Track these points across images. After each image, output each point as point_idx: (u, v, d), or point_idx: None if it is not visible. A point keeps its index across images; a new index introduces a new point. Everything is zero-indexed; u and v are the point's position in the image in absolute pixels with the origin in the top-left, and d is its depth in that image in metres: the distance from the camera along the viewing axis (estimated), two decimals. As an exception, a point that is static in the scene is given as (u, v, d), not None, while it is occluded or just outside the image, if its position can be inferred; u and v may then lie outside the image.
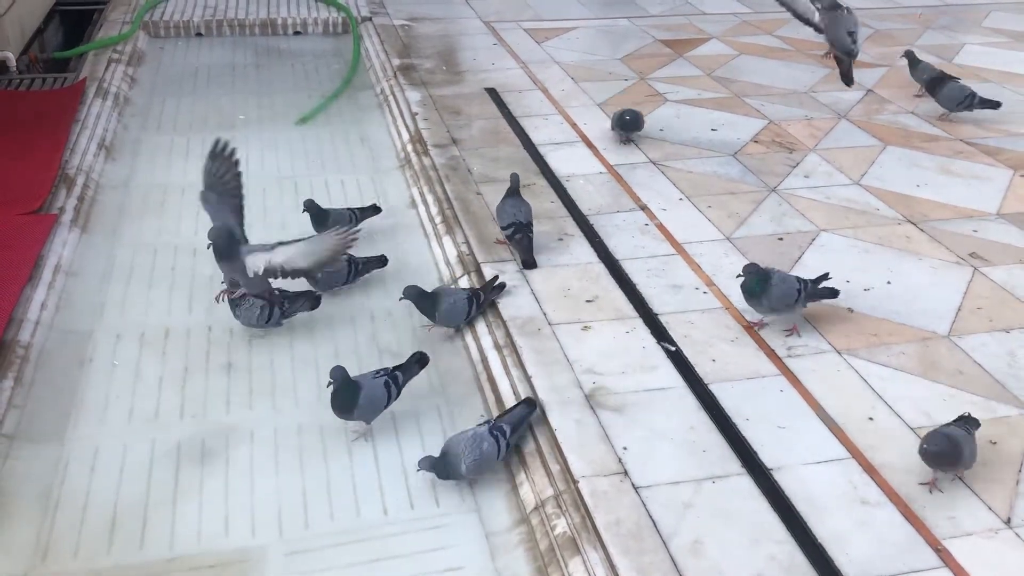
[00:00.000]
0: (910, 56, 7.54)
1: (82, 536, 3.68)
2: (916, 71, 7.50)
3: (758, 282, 4.54)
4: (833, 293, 4.71)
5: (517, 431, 3.96)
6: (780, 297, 4.55)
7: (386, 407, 4.13)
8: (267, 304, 4.72)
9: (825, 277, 4.72)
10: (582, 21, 9.69)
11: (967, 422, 3.88)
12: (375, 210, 5.76)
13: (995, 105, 7.12)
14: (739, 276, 4.64)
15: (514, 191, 5.35)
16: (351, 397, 4.00)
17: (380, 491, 3.94)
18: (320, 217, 5.44)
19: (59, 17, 9.43)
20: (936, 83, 7.22)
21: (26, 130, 6.56)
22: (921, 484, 3.76)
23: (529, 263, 5.14)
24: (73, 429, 4.22)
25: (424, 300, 4.69)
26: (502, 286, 4.91)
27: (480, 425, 3.95)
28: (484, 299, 4.79)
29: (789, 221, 5.78)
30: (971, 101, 7.06)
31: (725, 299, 4.94)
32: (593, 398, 4.21)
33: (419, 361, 4.33)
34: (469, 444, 3.80)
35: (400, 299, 4.71)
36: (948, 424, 3.86)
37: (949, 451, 3.67)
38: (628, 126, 6.65)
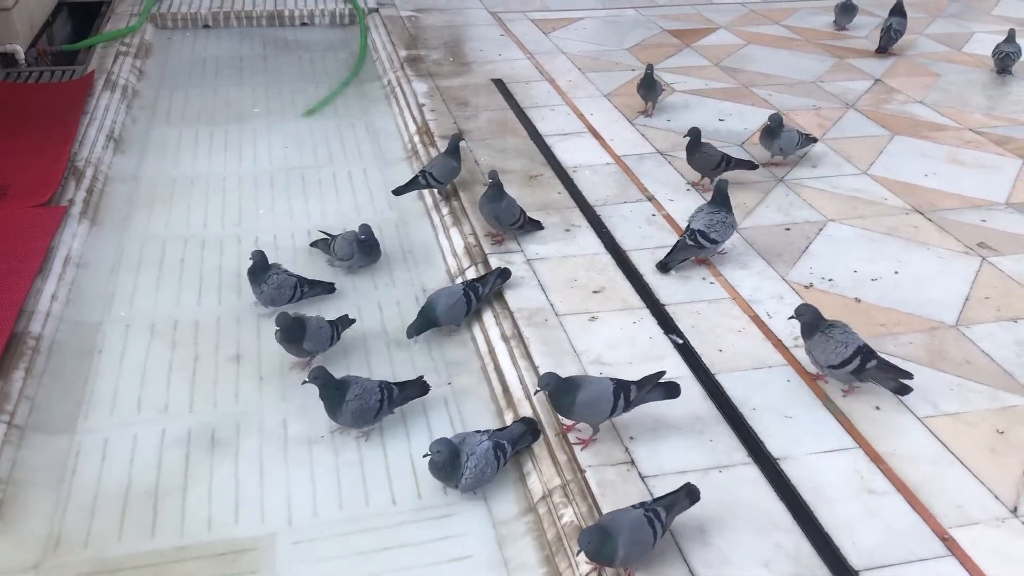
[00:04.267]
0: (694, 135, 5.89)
1: (93, 525, 3.71)
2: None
3: None
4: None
5: (517, 447, 3.96)
6: None
7: None
8: (297, 284, 4.88)
9: None
10: (589, 11, 9.67)
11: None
12: None
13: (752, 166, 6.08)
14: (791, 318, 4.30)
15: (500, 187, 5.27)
16: None
17: (388, 480, 3.96)
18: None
19: (67, 10, 9.45)
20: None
21: (35, 123, 6.60)
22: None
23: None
24: (84, 419, 4.25)
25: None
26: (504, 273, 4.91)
27: (483, 436, 3.88)
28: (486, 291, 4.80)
29: (796, 211, 5.77)
30: (726, 165, 5.87)
31: (732, 290, 4.94)
32: (600, 388, 4.21)
33: None
34: (473, 466, 3.75)
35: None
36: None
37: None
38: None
